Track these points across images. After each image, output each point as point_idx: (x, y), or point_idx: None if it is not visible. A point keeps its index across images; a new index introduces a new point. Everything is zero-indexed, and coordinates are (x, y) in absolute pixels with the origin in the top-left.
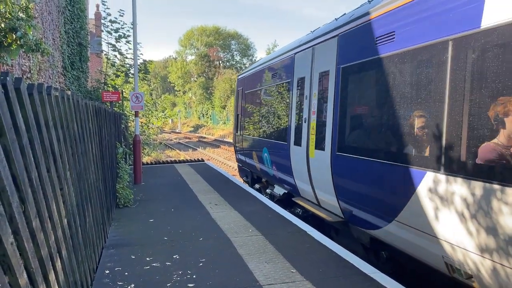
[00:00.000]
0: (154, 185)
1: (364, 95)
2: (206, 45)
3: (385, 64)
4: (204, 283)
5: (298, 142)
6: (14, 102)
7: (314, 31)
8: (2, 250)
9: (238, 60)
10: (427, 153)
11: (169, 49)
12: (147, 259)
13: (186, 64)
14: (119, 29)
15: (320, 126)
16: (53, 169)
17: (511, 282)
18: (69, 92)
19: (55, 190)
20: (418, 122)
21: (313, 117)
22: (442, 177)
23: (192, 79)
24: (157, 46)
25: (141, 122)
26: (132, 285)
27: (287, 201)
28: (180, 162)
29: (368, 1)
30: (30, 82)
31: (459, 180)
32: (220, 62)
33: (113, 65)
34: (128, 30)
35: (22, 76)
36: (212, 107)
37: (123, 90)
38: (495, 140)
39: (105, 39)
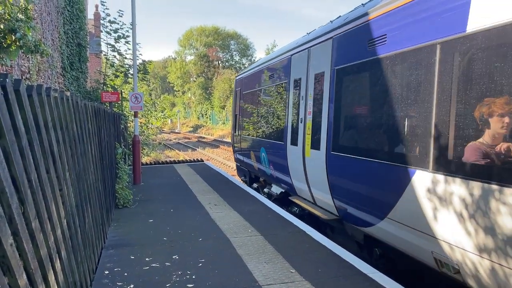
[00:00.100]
0: (153, 185)
1: (357, 96)
2: (205, 45)
3: (377, 66)
4: (203, 283)
5: (294, 142)
6: (14, 104)
7: (310, 33)
8: (1, 251)
9: (237, 60)
10: (416, 152)
11: (169, 49)
12: (147, 259)
13: (185, 64)
14: (118, 29)
15: (316, 126)
16: (52, 170)
17: (495, 275)
18: (68, 93)
19: (54, 191)
20: (408, 122)
21: (309, 117)
22: (430, 175)
23: (191, 79)
24: (157, 46)
25: (141, 123)
26: (132, 286)
27: (284, 200)
28: (179, 162)
29: (362, 4)
30: (30, 83)
31: (446, 178)
32: (219, 62)
33: (112, 66)
34: (127, 31)
35: (22, 77)
36: (212, 107)
37: (122, 91)
38: (480, 140)
39: (104, 40)
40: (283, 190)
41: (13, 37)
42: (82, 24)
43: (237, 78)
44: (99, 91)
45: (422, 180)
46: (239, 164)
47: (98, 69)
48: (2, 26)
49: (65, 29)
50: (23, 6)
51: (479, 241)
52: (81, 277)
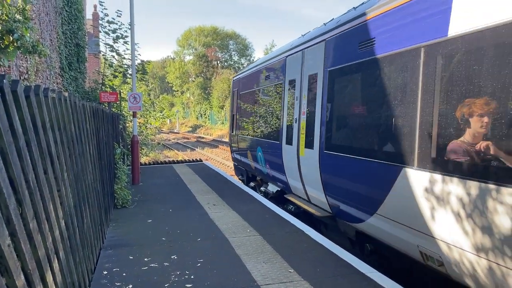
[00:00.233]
0: (152, 185)
1: (348, 97)
2: (204, 45)
3: (366, 68)
4: (202, 283)
5: (289, 141)
6: (11, 105)
7: (304, 34)
8: None
9: (236, 60)
10: (402, 150)
11: (168, 49)
12: (145, 259)
13: (184, 64)
14: (117, 29)
15: (309, 126)
16: (50, 171)
17: (475, 267)
18: (66, 94)
19: (52, 192)
20: (395, 122)
21: (303, 117)
22: (415, 172)
23: (190, 79)
24: (157, 47)
25: (139, 123)
26: (130, 286)
27: (280, 198)
28: (178, 162)
29: (354, 7)
30: (28, 84)
31: (430, 175)
32: (218, 62)
33: (110, 66)
34: (126, 31)
35: (20, 77)
36: (210, 107)
37: (121, 91)
38: (461, 138)
39: (102, 40)
40: (279, 189)
41: (11, 38)
42: (80, 24)
43: (235, 78)
44: (98, 91)
45: (408, 177)
46: (236, 164)
47: (97, 69)
48: (0, 27)
49: (64, 30)
50: (21, 6)
51: (461, 234)
52: (79, 278)
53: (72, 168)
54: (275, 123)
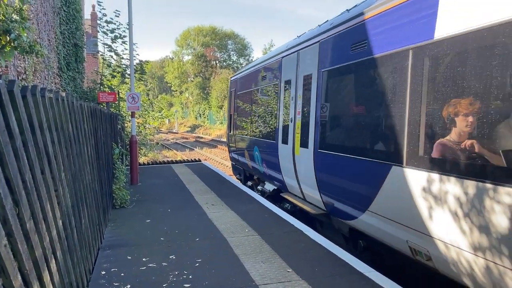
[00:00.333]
0: (151, 185)
1: (341, 97)
2: (203, 45)
3: (358, 69)
4: (200, 283)
5: (285, 141)
6: (7, 105)
7: (300, 36)
8: None
9: (234, 60)
10: (392, 149)
11: (168, 49)
12: (144, 259)
13: (183, 64)
14: (115, 29)
15: (304, 125)
16: (47, 171)
17: (461, 261)
18: (63, 94)
19: (49, 192)
20: (385, 121)
21: (298, 117)
22: (404, 170)
23: (189, 79)
24: (158, 47)
25: (138, 123)
26: (128, 286)
27: (276, 197)
28: (177, 162)
29: (347, 10)
30: (26, 84)
31: (418, 172)
32: (217, 62)
33: (109, 66)
34: (124, 31)
35: (18, 77)
36: (209, 107)
37: (120, 91)
38: (448, 137)
39: (101, 40)
40: (276, 187)
41: (8, 38)
42: (78, 24)
43: (232, 79)
44: (96, 91)
45: (397, 174)
46: (234, 163)
47: (95, 69)
48: None
49: (62, 30)
50: (18, 6)
51: (446, 229)
52: (77, 278)
53: (69, 168)
54: (272, 123)
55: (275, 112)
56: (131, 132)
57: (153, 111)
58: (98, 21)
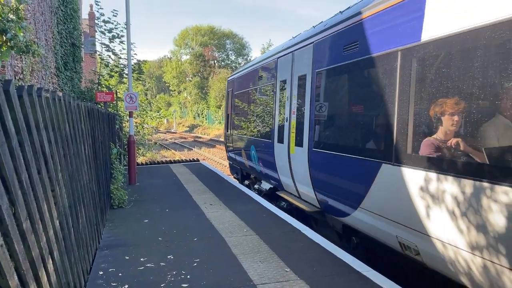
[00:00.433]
0: (149, 185)
1: (334, 97)
2: (201, 44)
3: (350, 70)
4: (198, 283)
5: (281, 140)
6: (3, 105)
7: (295, 37)
8: None
9: (233, 59)
10: (382, 147)
11: (167, 49)
12: (141, 259)
13: (181, 64)
14: (113, 29)
15: (299, 124)
16: (44, 171)
17: (448, 255)
18: (60, 94)
19: (46, 192)
20: (375, 121)
21: (293, 117)
22: (393, 168)
23: (187, 78)
24: (157, 46)
25: (136, 122)
26: (126, 286)
27: (273, 195)
28: (175, 162)
29: (340, 11)
30: (23, 83)
31: (406, 170)
32: (215, 61)
33: (107, 66)
34: (122, 30)
35: (15, 77)
36: (208, 107)
37: (117, 91)
38: (434, 136)
39: (98, 40)
40: (272, 186)
41: (4, 38)
42: (76, 24)
43: (229, 79)
44: (94, 91)
45: (386, 172)
46: (231, 162)
47: (93, 69)
48: None
49: (59, 29)
50: (14, 6)
51: (432, 224)
52: (74, 278)
53: (66, 168)
54: (268, 123)
55: (271, 111)
56: (129, 132)
57: (151, 111)
58: (96, 21)
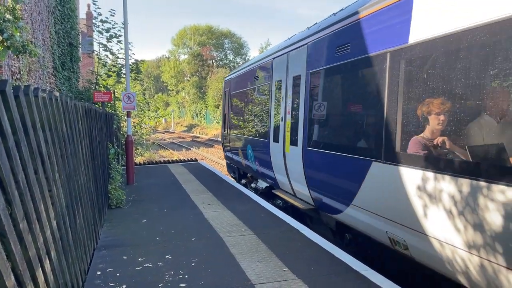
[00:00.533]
0: (147, 185)
1: (327, 97)
2: (199, 44)
3: (342, 71)
4: (196, 283)
5: (276, 139)
6: (0, 105)
7: (290, 38)
8: None
9: (231, 59)
10: (372, 146)
11: (165, 49)
12: (139, 259)
13: (179, 64)
14: (110, 29)
15: (294, 124)
16: (41, 171)
17: (435, 249)
18: (57, 94)
19: (43, 192)
20: (366, 120)
21: (288, 116)
22: (382, 165)
23: (185, 78)
24: (156, 46)
25: (134, 122)
26: (124, 286)
27: (269, 194)
28: (173, 162)
29: (333, 13)
30: (20, 83)
31: (395, 167)
32: (213, 61)
33: (104, 65)
34: (120, 30)
35: (12, 77)
36: (206, 107)
37: (115, 90)
38: (422, 134)
39: (96, 39)
40: (268, 185)
41: (0, 38)
42: (73, 23)
43: (226, 79)
44: (91, 91)
45: (376, 169)
46: (228, 162)
47: (91, 69)
48: None
49: (56, 29)
50: (11, 6)
51: (420, 220)
52: (72, 278)
53: (64, 168)
54: (263, 122)
55: (267, 111)
56: (127, 131)
57: (149, 110)
58: (93, 20)
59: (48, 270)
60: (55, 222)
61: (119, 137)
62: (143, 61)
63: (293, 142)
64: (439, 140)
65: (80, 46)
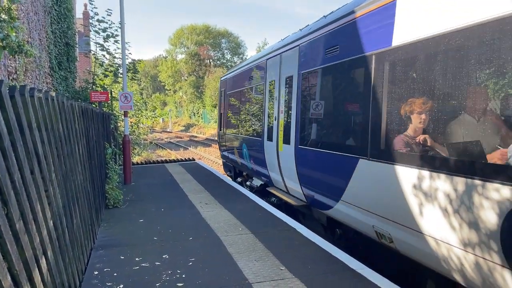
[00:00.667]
0: (144, 185)
1: (317, 97)
2: (196, 43)
3: (332, 72)
4: (193, 282)
5: (270, 138)
6: None
7: (283, 39)
8: None
9: (228, 58)
10: (359, 144)
11: (162, 48)
12: (137, 259)
13: (177, 63)
14: (107, 28)
15: (287, 123)
16: (37, 171)
17: (418, 242)
18: (53, 93)
19: (39, 192)
20: (353, 119)
21: (281, 116)
22: (368, 162)
23: (182, 78)
24: (154, 45)
25: (131, 122)
26: (121, 286)
27: (264, 192)
28: (171, 161)
29: (324, 16)
30: (17, 83)
31: (380, 164)
32: (211, 60)
33: (101, 65)
34: (116, 30)
35: (8, 77)
36: (203, 106)
37: (112, 90)
38: (405, 133)
39: (93, 39)
40: (262, 183)
41: None
42: (70, 23)
43: (222, 79)
44: (88, 90)
45: (363, 166)
46: (224, 160)
47: (88, 68)
48: None
49: (53, 29)
50: (6, 6)
51: (403, 214)
52: (69, 278)
53: (60, 168)
54: (258, 121)
55: (261, 111)
56: (124, 131)
57: (146, 110)
58: (90, 20)
59: (45, 270)
60: (51, 222)
61: (116, 136)
62: (140, 60)
63: (286, 141)
64: (421, 138)
65: (77, 46)
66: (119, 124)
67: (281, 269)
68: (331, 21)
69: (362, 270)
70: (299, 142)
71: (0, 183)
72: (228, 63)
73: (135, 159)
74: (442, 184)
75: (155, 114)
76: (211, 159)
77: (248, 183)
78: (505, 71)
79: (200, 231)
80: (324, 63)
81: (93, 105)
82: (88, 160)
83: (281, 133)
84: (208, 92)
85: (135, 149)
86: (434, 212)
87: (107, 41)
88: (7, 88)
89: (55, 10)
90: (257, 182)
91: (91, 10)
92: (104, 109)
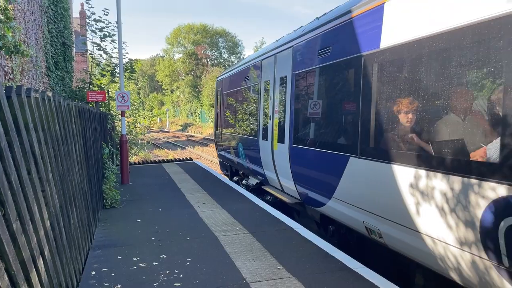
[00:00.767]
0: (141, 185)
1: (310, 96)
2: (194, 43)
3: (324, 72)
4: (191, 281)
5: (265, 137)
6: None
7: (278, 40)
8: None
9: (226, 58)
10: (350, 142)
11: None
12: (134, 259)
13: (174, 63)
14: (104, 28)
15: (281, 122)
16: (34, 171)
17: (406, 237)
18: (50, 94)
19: (36, 192)
20: (344, 118)
21: (276, 115)
22: (358, 160)
23: (180, 77)
24: (151, 45)
25: (128, 122)
26: (119, 286)
27: (260, 190)
28: (168, 161)
29: (317, 17)
30: (13, 84)
31: (369, 162)
32: (208, 60)
33: (98, 65)
34: (113, 29)
35: (5, 77)
36: (201, 106)
37: (109, 90)
38: (392, 131)
39: (89, 38)
40: (258, 181)
41: None
42: (66, 23)
43: (218, 79)
44: (85, 90)
45: (353, 164)
46: (221, 160)
47: (84, 68)
48: None
49: (49, 28)
50: (3, 6)
51: (391, 210)
52: (66, 278)
53: (57, 169)
54: (253, 121)
55: (257, 110)
56: (121, 131)
57: (143, 110)
58: (87, 20)
59: (42, 271)
60: (48, 222)
61: (113, 136)
62: (137, 60)
63: (280, 140)
64: (407, 136)
65: (74, 45)
66: (116, 124)
67: (279, 268)
68: (324, 23)
69: (359, 269)
70: (293, 141)
71: None
72: (226, 63)
73: (133, 159)
74: (426, 180)
75: (152, 113)
76: (209, 159)
77: (244, 182)
78: (483, 73)
79: (198, 231)
80: (316, 64)
81: (90, 105)
82: (85, 160)
83: (275, 132)
84: (205, 92)
85: (132, 149)
86: (418, 207)
87: (104, 41)
88: (4, 89)
89: (52, 9)
90: (253, 181)
91: (88, 10)
92: (101, 109)
